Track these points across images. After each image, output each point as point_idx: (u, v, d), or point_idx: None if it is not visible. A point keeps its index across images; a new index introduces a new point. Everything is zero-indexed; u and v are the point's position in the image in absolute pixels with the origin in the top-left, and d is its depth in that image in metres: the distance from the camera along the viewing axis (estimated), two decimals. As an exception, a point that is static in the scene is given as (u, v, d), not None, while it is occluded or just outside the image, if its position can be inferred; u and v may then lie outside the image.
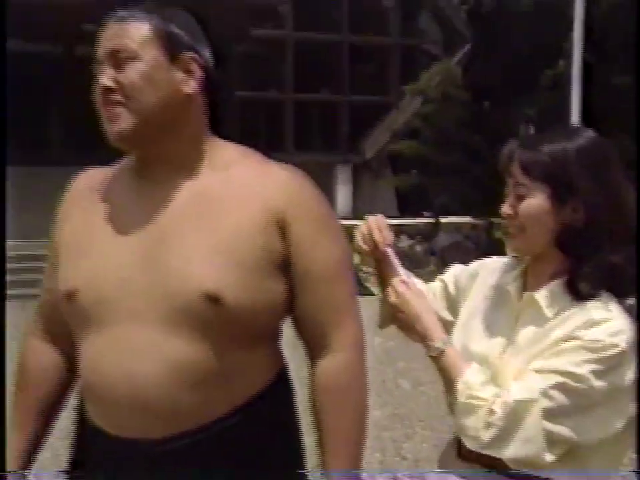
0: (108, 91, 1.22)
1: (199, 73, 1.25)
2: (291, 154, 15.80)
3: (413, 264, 12.56)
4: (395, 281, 1.44)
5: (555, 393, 1.22)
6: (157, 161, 1.27)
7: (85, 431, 1.32)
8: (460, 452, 1.42)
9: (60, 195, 1.40)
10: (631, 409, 1.26)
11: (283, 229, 1.23)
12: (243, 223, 1.21)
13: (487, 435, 1.25)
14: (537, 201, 1.30)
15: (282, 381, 1.34)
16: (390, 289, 1.44)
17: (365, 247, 1.51)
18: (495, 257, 1.57)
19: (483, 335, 1.41)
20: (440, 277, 1.65)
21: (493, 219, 14.06)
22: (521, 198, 1.32)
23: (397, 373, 5.63)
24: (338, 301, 1.28)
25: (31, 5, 10.77)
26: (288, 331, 1.34)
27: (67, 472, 1.39)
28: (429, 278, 1.65)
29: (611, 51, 12.08)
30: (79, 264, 1.26)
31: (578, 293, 1.29)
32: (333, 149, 17.42)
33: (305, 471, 1.34)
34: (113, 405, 1.20)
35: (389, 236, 1.49)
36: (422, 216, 14.50)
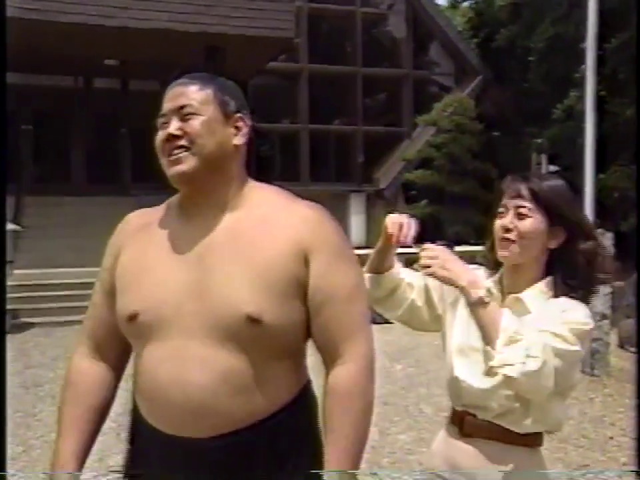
0: (174, 137, 1.46)
1: (245, 129, 1.54)
2: (306, 184, 15.98)
3: (428, 292, 12.64)
4: (429, 245, 1.64)
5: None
6: (203, 201, 1.50)
7: (138, 430, 1.52)
8: (462, 429, 1.72)
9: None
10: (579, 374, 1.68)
11: (306, 258, 1.46)
12: (274, 255, 1.43)
13: (528, 365, 1.51)
14: (536, 221, 1.67)
15: (307, 391, 1.56)
16: (425, 252, 1.63)
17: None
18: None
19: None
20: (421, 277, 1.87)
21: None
22: (522, 216, 1.68)
23: (419, 399, 5.74)
24: (351, 318, 1.48)
25: (52, 40, 11.10)
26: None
27: (121, 470, 1.58)
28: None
29: (621, 84, 12.30)
30: (139, 290, 1.48)
31: (556, 292, 1.67)
32: (347, 178, 17.56)
33: (319, 471, 1.48)
34: (168, 407, 1.42)
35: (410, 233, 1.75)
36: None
